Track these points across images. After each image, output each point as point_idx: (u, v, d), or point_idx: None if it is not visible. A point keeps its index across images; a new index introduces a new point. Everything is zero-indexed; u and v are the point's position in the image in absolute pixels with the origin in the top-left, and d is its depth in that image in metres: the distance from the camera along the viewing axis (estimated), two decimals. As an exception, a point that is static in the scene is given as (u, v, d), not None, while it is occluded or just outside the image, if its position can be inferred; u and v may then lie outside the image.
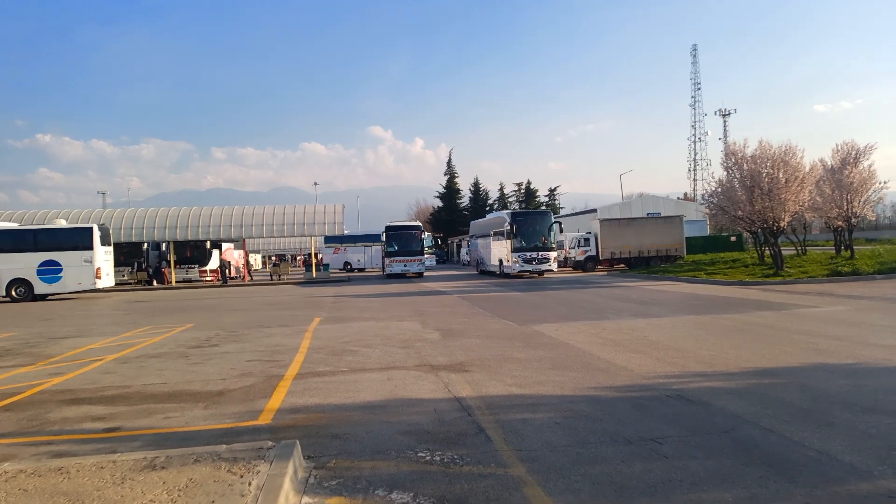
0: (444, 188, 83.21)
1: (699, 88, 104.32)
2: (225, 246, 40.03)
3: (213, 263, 38.50)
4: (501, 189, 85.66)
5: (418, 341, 11.08)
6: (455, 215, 75.34)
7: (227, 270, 36.70)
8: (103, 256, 27.12)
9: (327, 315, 16.28)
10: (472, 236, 43.62)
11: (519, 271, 30.40)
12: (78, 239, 26.56)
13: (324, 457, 5.03)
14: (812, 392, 6.54)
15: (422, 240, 37.58)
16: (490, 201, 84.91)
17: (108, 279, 27.56)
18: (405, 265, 36.26)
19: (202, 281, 37.53)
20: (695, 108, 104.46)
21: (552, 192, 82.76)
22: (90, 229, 26.68)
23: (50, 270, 26.18)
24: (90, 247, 26.39)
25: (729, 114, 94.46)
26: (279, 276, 38.39)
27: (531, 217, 32.73)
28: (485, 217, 43.90)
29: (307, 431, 5.76)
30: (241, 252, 42.65)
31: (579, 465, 4.63)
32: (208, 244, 38.24)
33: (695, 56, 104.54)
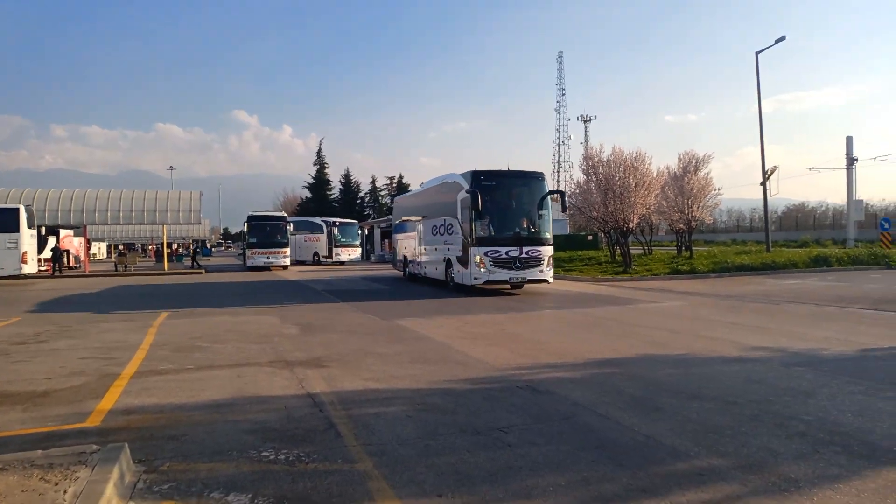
0: (314, 179, 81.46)
1: (564, 94, 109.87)
2: (63, 233, 36.38)
3: (48, 252, 34.91)
4: (373, 182, 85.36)
5: (276, 336, 10.69)
6: (325, 207, 73.86)
7: (63, 259, 33.37)
8: (29, 240, 24.78)
9: (178, 307, 15.28)
10: (395, 224, 28.07)
11: (488, 281, 17.16)
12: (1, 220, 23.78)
13: (157, 460, 4.67)
14: (645, 380, 7.06)
15: (287, 231, 36.44)
16: (361, 194, 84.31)
17: (33, 265, 25.35)
18: (268, 258, 34.96)
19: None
20: (559, 113, 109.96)
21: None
22: (16, 210, 23.90)
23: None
24: (16, 229, 23.50)
25: (590, 120, 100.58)
26: (125, 266, 35.51)
27: (510, 182, 18.02)
28: (419, 188, 25.90)
29: (141, 433, 5.33)
30: (82, 239, 39.01)
31: (426, 457, 4.65)
32: (43, 230, 34.60)
33: (560, 63, 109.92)
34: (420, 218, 22.62)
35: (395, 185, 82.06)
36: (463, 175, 18.14)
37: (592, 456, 4.65)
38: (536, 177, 18.18)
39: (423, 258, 22.31)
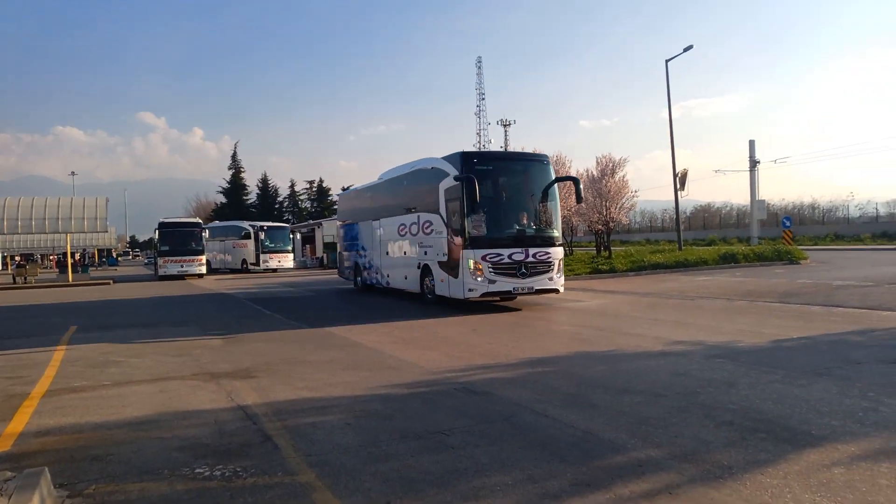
0: (229, 183, 78.94)
1: (483, 98, 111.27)
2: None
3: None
4: (292, 186, 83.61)
5: (197, 348, 10.23)
6: (241, 212, 71.63)
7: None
8: None
9: (87, 322, 14.38)
10: (341, 225, 23.71)
11: (486, 293, 13.81)
12: None
13: (81, 483, 4.35)
14: (577, 378, 7.22)
15: (202, 237, 35.03)
16: (280, 198, 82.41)
17: None
18: (182, 266, 33.51)
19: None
20: (479, 117, 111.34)
21: (345, 190, 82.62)
22: None
23: None
24: None
25: (509, 124, 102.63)
26: (25, 279, 33.12)
27: (510, 166, 15.06)
28: (377, 180, 20.43)
29: (60, 456, 4.95)
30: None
31: (370, 465, 4.56)
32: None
33: (479, 68, 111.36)
34: (378, 216, 19.11)
35: (314, 189, 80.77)
36: (447, 158, 14.62)
37: (535, 454, 4.70)
38: (541, 160, 14.91)
39: (386, 265, 18.68)
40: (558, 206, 14.98)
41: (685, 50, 30.10)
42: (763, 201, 36.66)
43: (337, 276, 25.59)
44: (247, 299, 19.76)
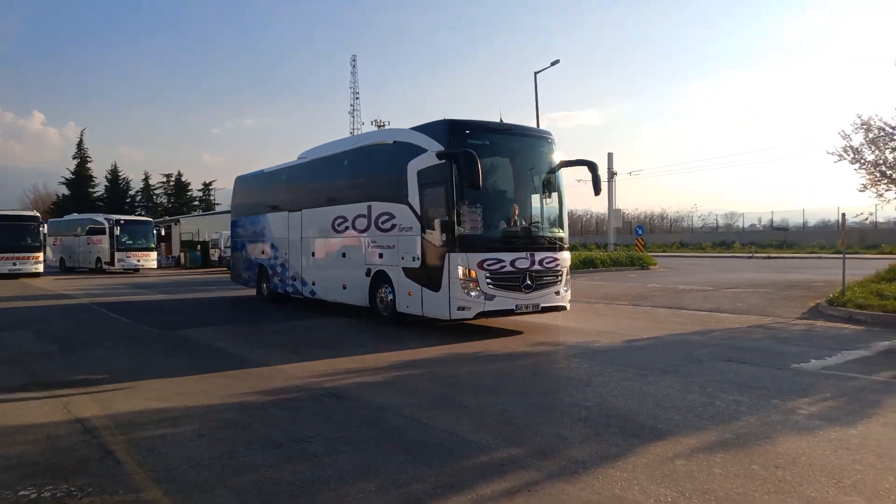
0: (73, 174, 72.00)
1: (358, 98, 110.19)
2: None
3: None
4: (146, 179, 77.84)
5: (26, 355, 9.19)
6: (86, 205, 65.41)
7: None
8: None
9: None
10: (236, 219, 19.38)
11: (481, 314, 10.27)
12: None
13: None
14: (446, 379, 7.28)
15: (39, 232, 31.65)
16: (132, 192, 76.62)
17: None
18: (14, 263, 30.09)
19: None
20: (353, 116, 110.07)
21: (207, 186, 78.25)
22: None
23: None
24: None
25: (383, 125, 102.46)
26: None
27: (509, 142, 11.26)
28: (298, 160, 16.29)
29: None
30: None
31: (224, 478, 4.28)
32: None
33: (354, 66, 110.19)
34: (298, 206, 15.01)
35: (172, 183, 75.88)
36: (422, 129, 11.00)
37: (400, 458, 4.64)
38: (545, 137, 11.59)
39: (310, 269, 14.59)
40: (565, 198, 11.57)
41: (552, 64, 31.62)
42: (619, 210, 39.29)
43: (229, 279, 21.54)
44: (97, 305, 18.10)
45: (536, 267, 10.52)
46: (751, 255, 41.42)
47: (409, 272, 10.95)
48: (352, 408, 6.09)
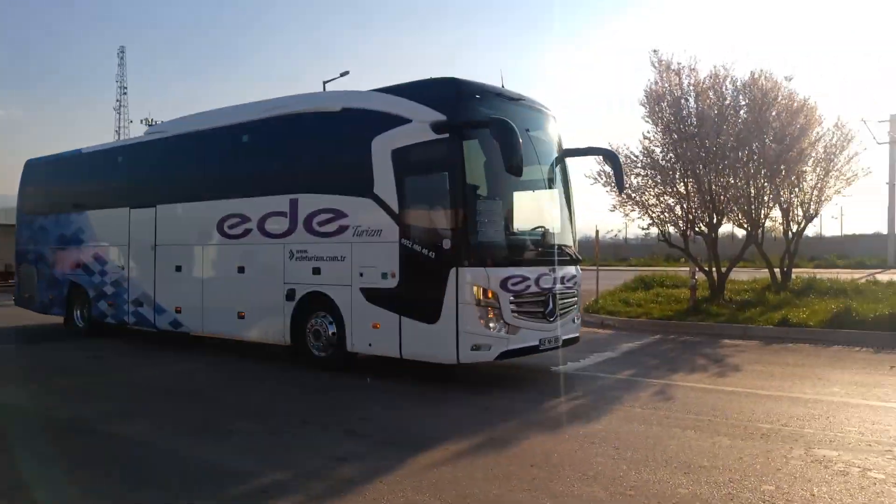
0: None
1: (125, 93, 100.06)
2: None
3: None
4: None
5: None
6: None
7: None
8: None
9: None
10: (28, 220, 13.95)
11: (504, 354, 7.18)
12: None
13: None
14: (208, 403, 6.77)
15: None
16: None
17: None
18: None
19: None
20: (120, 113, 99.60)
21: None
22: None
23: None
24: None
25: (153, 123, 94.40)
26: None
27: (521, 117, 7.72)
28: (150, 133, 12.68)
29: None
30: None
31: None
32: None
33: (122, 58, 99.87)
34: (149, 202, 10.85)
35: None
36: (398, 91, 7.99)
37: (156, 493, 4.16)
38: (552, 114, 8.90)
39: (176, 290, 10.42)
40: (574, 195, 9.06)
41: (342, 75, 31.59)
42: None
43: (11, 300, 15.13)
44: None
45: (558, 286, 7.91)
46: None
47: (373, 294, 7.71)
48: (92, 441, 5.35)
